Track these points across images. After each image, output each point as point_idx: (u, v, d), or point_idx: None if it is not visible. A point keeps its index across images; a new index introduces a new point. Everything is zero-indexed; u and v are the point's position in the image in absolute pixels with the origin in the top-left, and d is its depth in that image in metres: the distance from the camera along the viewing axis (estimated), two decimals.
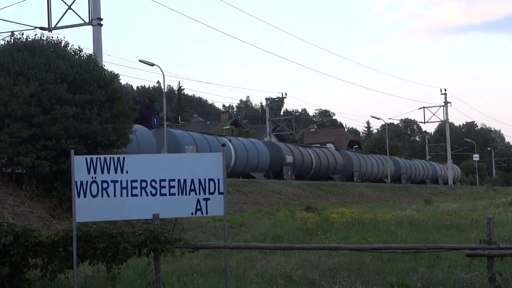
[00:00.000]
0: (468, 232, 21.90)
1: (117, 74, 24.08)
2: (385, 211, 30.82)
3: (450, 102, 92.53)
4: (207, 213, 12.34)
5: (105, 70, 23.78)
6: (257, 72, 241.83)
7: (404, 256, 15.98)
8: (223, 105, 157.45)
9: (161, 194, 11.97)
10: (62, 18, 32.75)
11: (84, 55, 23.39)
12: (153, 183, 11.95)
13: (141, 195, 11.89)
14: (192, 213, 12.30)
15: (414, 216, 27.61)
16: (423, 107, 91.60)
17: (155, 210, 11.85)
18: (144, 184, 11.90)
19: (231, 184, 38.02)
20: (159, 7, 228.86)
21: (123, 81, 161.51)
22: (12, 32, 23.48)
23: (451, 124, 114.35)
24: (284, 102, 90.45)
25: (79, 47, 23.48)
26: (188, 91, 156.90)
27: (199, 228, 24.18)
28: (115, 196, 11.80)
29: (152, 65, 46.57)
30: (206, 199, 12.10)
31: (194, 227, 23.98)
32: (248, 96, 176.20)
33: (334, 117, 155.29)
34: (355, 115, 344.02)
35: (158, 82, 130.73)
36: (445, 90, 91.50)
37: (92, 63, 23.04)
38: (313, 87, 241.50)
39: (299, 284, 13.57)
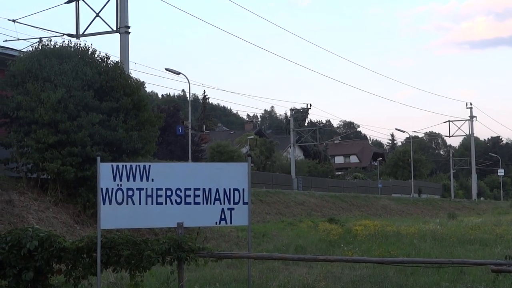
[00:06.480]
0: (492, 247, 21.73)
1: (143, 82, 24.26)
2: (408, 225, 30.65)
3: (475, 116, 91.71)
4: (231, 223, 12.30)
5: (131, 78, 23.92)
6: (282, 83, 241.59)
7: (427, 270, 15.87)
8: (248, 115, 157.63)
9: (186, 203, 11.94)
10: (90, 26, 32.94)
11: (111, 62, 23.53)
12: (178, 192, 11.93)
13: (166, 203, 11.87)
14: (216, 223, 12.27)
15: (438, 230, 27.47)
16: (448, 121, 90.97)
17: (180, 219, 11.84)
18: (169, 193, 11.89)
19: (254, 194, 38.01)
20: (187, 16, 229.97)
21: (148, 89, 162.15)
22: (40, 39, 23.73)
23: (476, 139, 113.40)
24: (308, 113, 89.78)
25: (106, 55, 23.66)
26: (213, 100, 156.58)
27: (222, 237, 24.19)
28: (140, 203, 11.79)
29: (178, 73, 46.64)
30: (231, 209, 12.07)
31: (217, 236, 23.99)
32: (272, 106, 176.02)
33: (358, 129, 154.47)
34: (379, 128, 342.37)
35: (183, 90, 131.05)
36: (471, 104, 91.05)
37: (119, 70, 23.18)
38: (338, 99, 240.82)
39: None
